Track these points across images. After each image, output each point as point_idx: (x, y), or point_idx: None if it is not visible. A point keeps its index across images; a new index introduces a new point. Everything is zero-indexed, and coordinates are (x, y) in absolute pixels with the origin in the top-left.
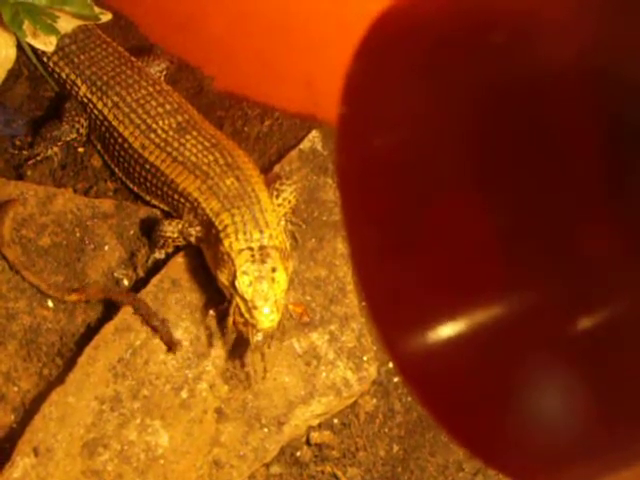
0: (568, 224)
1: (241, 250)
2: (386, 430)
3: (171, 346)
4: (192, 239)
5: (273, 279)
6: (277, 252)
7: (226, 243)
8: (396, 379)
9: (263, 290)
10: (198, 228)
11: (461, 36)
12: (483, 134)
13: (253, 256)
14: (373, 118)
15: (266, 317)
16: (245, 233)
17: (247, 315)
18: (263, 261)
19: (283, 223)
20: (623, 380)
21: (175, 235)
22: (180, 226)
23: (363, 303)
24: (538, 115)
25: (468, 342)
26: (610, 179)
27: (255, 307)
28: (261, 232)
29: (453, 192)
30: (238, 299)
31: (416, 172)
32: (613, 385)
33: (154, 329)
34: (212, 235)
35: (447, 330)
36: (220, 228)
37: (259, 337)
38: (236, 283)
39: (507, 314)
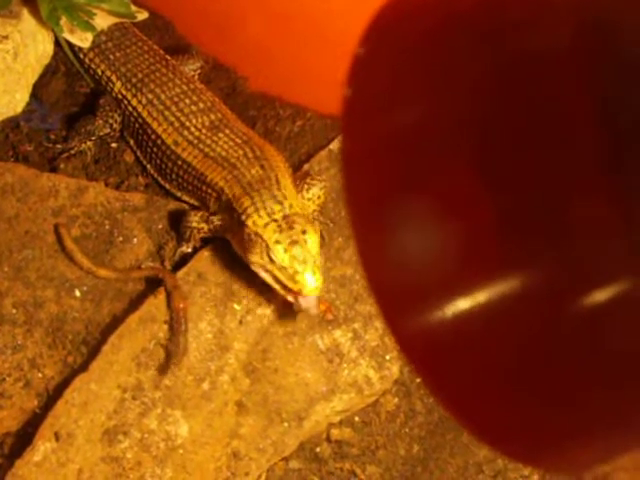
0: (567, 202)
1: (266, 224)
2: (407, 430)
3: (171, 358)
4: (216, 227)
5: (305, 241)
6: (301, 217)
7: (249, 223)
8: (418, 379)
9: (299, 254)
10: (221, 215)
11: (467, 17)
12: (484, 114)
13: (280, 226)
14: (377, 100)
15: (309, 280)
16: (265, 209)
17: (291, 284)
18: (291, 227)
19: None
20: (627, 359)
21: (200, 225)
22: (205, 216)
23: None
24: (537, 94)
25: (470, 324)
26: (609, 156)
27: (297, 272)
28: (280, 204)
29: (454, 172)
30: (277, 272)
31: (418, 153)
32: (618, 364)
33: (172, 328)
34: (235, 221)
35: (449, 312)
36: (240, 211)
37: (307, 303)
38: (271, 255)
39: (509, 295)
